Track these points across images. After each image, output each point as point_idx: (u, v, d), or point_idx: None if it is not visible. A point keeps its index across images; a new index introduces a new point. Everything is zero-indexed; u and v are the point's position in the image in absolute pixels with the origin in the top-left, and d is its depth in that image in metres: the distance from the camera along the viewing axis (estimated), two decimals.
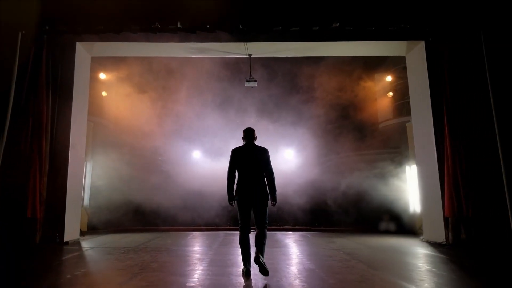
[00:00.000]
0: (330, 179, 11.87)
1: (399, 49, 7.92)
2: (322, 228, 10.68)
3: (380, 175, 10.19)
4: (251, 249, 4.00)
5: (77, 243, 6.92)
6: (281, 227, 10.57)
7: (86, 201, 9.18)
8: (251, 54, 7.98)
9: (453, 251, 5.95)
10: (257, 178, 4.00)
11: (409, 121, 10.66)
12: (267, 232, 4.06)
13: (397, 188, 9.53)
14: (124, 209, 10.37)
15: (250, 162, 4.02)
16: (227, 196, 4.12)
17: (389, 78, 12.72)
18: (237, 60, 9.46)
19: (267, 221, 4.03)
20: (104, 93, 11.63)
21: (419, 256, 5.61)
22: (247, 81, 7.86)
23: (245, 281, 3.79)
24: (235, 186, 4.12)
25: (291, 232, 9.76)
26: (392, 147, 11.56)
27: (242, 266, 4.17)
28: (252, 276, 3.97)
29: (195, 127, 12.43)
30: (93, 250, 6.07)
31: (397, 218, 9.64)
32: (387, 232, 9.55)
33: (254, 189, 3.99)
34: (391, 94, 12.74)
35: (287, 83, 11.89)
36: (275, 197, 4.10)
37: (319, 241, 7.56)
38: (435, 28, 6.85)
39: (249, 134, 4.20)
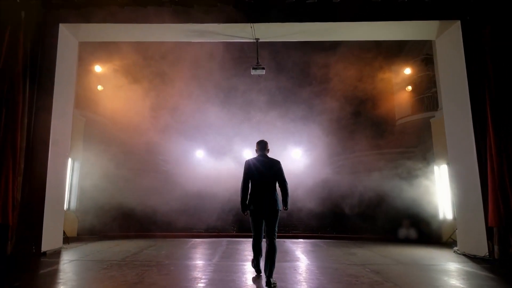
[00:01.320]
0: (344, 181, 10.86)
1: (429, 32, 6.87)
2: (335, 235, 9.64)
3: (402, 176, 9.12)
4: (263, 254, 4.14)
5: (57, 253, 5.99)
6: (291, 234, 9.56)
7: (72, 204, 8.25)
8: (258, 38, 6.99)
9: (504, 270, 4.90)
10: (269, 189, 4.09)
11: (433, 116, 9.62)
12: (276, 242, 4.08)
13: (422, 191, 8.45)
14: (118, 213, 9.46)
15: (262, 173, 4.12)
16: (240, 204, 4.20)
17: (407, 71, 11.67)
18: (242, 50, 8.52)
19: (276, 231, 4.09)
20: (99, 87, 10.75)
21: (466, 276, 4.56)
22: (254, 68, 6.89)
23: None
24: (248, 197, 4.20)
25: (301, 240, 8.75)
26: (413, 145, 10.48)
27: None
28: None
29: (196, 123, 11.51)
30: (71, 264, 5.13)
31: (422, 225, 8.57)
32: (410, 241, 8.50)
33: (266, 200, 4.06)
34: (410, 88, 11.69)
35: (296, 74, 10.90)
36: (287, 202, 4.20)
37: (336, 252, 6.55)
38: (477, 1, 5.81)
39: (262, 146, 4.34)
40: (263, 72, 6.96)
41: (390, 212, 9.08)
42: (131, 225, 9.84)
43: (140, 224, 9.85)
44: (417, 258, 5.89)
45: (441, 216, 8.28)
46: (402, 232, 9.11)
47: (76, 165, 8.35)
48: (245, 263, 5.15)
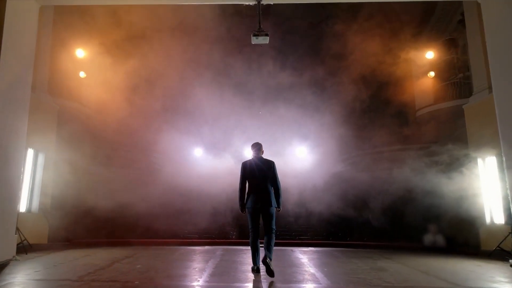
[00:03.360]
0: (360, 180, 9.48)
1: None
2: (350, 242, 8.22)
3: (431, 173, 7.72)
4: (260, 251, 4.23)
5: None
6: (299, 241, 8.15)
7: (34, 204, 6.87)
8: (260, 0, 5.64)
9: None
10: (265, 188, 4.28)
11: (465, 103, 8.22)
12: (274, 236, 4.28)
13: (457, 190, 7.02)
14: (96, 216, 8.12)
15: (258, 174, 4.32)
16: (238, 204, 4.38)
17: (429, 55, 10.28)
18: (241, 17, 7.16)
19: (274, 227, 4.27)
20: (82, 74, 9.46)
21: None
22: (255, 35, 5.52)
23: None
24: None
25: (312, 248, 7.35)
26: (441, 137, 9.05)
27: None
28: None
29: (190, 115, 10.15)
30: (6, 286, 3.75)
31: (459, 231, 7.18)
32: (442, 250, 7.12)
33: (262, 198, 4.24)
34: (432, 74, 10.30)
35: (304, 50, 9.53)
36: (280, 203, 4.38)
37: (359, 266, 5.14)
38: None
39: (257, 149, 4.48)
40: (266, 40, 5.59)
41: (417, 215, 7.69)
42: (112, 230, 8.50)
43: (122, 229, 8.48)
44: (471, 277, 4.47)
45: (487, 219, 6.81)
46: (433, 239, 7.73)
47: (41, 158, 6.96)
48: (245, 286, 3.77)
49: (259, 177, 4.29)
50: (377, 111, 10.78)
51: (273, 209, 4.25)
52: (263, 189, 4.26)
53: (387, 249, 7.26)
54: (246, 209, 4.28)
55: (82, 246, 7.17)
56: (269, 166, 4.37)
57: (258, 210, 4.22)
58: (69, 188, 7.77)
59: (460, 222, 7.01)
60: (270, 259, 4.02)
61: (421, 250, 7.35)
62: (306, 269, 4.86)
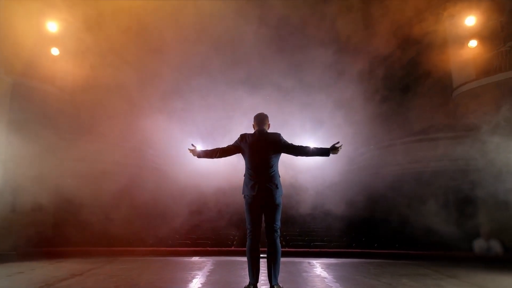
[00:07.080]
0: (388, 175, 7.73)
1: None
2: (382, 251, 6.34)
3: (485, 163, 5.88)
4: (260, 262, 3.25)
5: None
6: (317, 250, 6.30)
7: None
8: None
9: None
10: (267, 173, 3.31)
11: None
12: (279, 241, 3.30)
13: None
14: (55, 219, 6.49)
15: (260, 153, 3.36)
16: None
17: (470, 21, 8.47)
18: None
19: (278, 224, 3.27)
20: (54, 51, 7.90)
21: None
22: None
23: None
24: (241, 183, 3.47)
25: (335, 260, 5.50)
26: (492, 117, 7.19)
27: None
28: None
29: (180, 96, 8.48)
30: None
31: None
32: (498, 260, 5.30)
33: (263, 186, 3.26)
34: (475, 43, 8.47)
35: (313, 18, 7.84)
36: (324, 148, 3.36)
37: None
38: None
39: (260, 121, 3.50)
40: None
41: (467, 217, 5.88)
42: (86, 235, 6.78)
43: (95, 234, 6.75)
44: None
45: None
46: (488, 246, 5.92)
47: None
48: None
49: (261, 159, 3.35)
50: (403, 91, 9.04)
51: (279, 199, 3.27)
52: (264, 175, 3.30)
53: (436, 261, 5.40)
54: (244, 199, 3.33)
55: (33, 257, 5.40)
56: (275, 142, 3.40)
57: (259, 202, 3.23)
58: (25, 182, 6.16)
59: None
60: (278, 283, 3.11)
61: (476, 261, 5.52)
62: None
